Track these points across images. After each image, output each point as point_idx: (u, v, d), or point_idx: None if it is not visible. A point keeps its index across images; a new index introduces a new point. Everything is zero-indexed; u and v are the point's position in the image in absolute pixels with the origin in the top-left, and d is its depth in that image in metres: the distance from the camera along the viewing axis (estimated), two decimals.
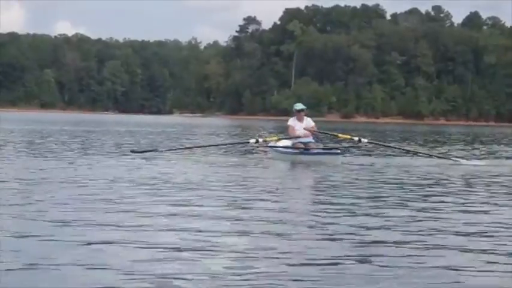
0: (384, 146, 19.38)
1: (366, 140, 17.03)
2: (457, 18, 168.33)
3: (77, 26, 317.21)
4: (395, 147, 19.81)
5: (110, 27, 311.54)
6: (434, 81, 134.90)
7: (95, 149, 19.22)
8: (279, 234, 6.40)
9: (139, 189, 9.61)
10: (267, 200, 8.98)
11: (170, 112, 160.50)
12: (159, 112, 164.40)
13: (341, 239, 6.26)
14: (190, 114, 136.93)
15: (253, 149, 18.89)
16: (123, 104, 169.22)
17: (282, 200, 9.37)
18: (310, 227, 6.94)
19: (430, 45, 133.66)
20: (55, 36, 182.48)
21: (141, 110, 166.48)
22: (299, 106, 16.76)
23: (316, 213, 7.81)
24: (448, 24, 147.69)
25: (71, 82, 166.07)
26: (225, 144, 20.83)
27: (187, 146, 20.33)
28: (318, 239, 6.29)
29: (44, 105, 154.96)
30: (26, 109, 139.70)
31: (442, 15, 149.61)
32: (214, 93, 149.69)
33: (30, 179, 10.61)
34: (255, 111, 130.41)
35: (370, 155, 18.34)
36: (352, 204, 8.62)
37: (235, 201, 8.74)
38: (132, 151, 17.06)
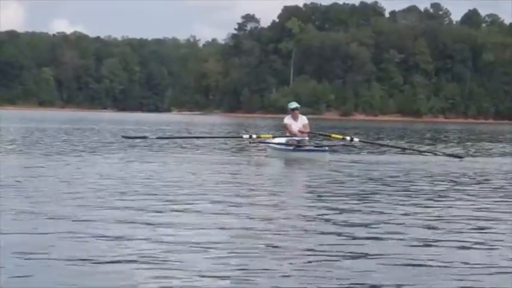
0: (375, 144, 19.56)
1: (357, 140, 17.21)
2: (456, 16, 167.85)
3: (75, 24, 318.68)
4: (386, 146, 19.91)
5: (108, 25, 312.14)
6: (432, 78, 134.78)
7: (79, 147, 19.13)
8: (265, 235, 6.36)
9: (129, 188, 9.62)
10: (259, 197, 8.95)
11: (168, 110, 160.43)
12: (157, 110, 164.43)
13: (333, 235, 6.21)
14: (189, 112, 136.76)
15: (246, 146, 18.96)
16: (122, 102, 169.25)
17: (268, 200, 9.32)
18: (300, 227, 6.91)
19: (429, 43, 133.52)
20: (53, 35, 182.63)
21: (140, 108, 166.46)
22: (293, 105, 17.07)
23: (304, 211, 7.77)
24: (446, 22, 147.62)
25: (69, 80, 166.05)
26: (214, 137, 20.86)
27: (178, 136, 20.41)
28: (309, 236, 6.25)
29: (42, 103, 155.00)
30: (24, 107, 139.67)
31: (440, 12, 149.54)
32: (213, 91, 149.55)
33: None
34: (254, 109, 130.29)
35: (361, 153, 18.41)
36: (340, 201, 8.60)
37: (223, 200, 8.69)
38: (123, 137, 18.36)
